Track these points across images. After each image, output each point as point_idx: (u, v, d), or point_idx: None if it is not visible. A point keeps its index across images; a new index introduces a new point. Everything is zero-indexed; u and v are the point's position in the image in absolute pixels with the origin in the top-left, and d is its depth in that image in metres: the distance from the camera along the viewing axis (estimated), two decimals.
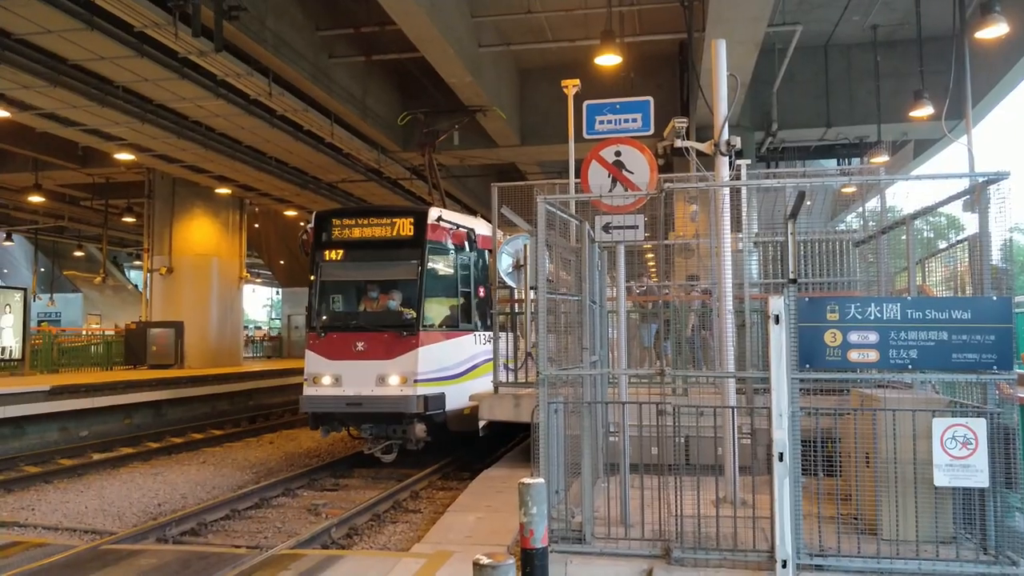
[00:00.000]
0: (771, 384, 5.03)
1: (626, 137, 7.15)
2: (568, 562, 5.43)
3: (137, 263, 38.46)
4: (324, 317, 11.85)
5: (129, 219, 28.73)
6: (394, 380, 10.84)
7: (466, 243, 11.89)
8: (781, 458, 4.91)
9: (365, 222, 11.80)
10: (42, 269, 37.29)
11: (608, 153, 6.84)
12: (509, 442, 13.00)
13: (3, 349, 18.80)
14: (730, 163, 7.14)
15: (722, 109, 6.94)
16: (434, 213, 11.58)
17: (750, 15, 11.81)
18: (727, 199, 6.77)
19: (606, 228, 6.77)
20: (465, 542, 6.51)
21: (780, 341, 5.01)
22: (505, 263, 10.62)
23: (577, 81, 9.67)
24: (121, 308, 36.60)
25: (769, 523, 5.09)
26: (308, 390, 11.22)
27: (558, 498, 5.93)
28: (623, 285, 7.08)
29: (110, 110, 15.49)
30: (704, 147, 7.08)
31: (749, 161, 9.73)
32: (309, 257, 12.11)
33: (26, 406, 14.00)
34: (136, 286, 39.09)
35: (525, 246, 9.91)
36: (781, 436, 4.94)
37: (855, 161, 19.16)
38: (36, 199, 24.80)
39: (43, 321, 30.77)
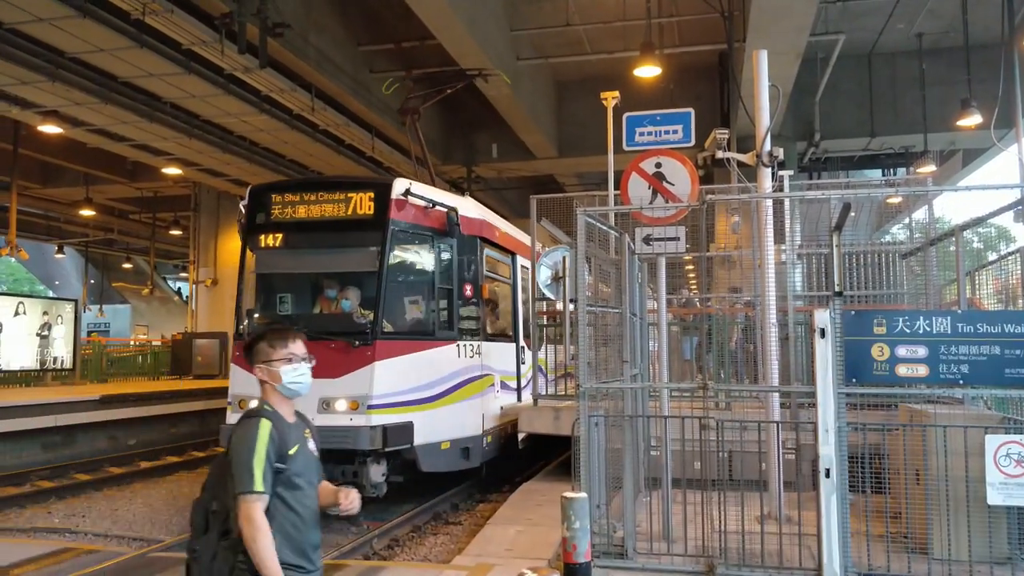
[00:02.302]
0: (817, 399, 4.95)
1: (667, 149, 7.13)
2: None
3: (183, 275, 39.24)
4: (252, 320, 9.24)
5: (176, 232, 29.39)
6: (341, 405, 8.12)
7: (447, 226, 9.00)
8: (828, 474, 4.82)
9: (312, 198, 8.95)
10: (92, 281, 38.29)
11: (648, 165, 6.82)
12: (536, 455, 12.88)
13: (55, 359, 19.32)
14: (772, 174, 7.07)
15: (764, 120, 6.89)
16: (400, 185, 8.81)
17: (792, 25, 11.71)
18: (770, 210, 6.70)
19: (647, 240, 6.74)
20: (506, 555, 6.50)
21: (826, 355, 4.94)
22: (544, 275, 10.62)
23: (616, 93, 9.68)
24: (168, 319, 37.39)
25: (815, 540, 5.00)
26: (231, 417, 8.56)
27: (599, 512, 5.90)
28: (664, 297, 7.04)
29: (158, 126, 15.90)
30: (746, 158, 7.03)
31: (791, 172, 9.61)
32: (241, 244, 9.61)
33: (77, 415, 14.35)
34: (182, 297, 39.89)
35: (564, 258, 9.90)
36: (828, 452, 4.86)
37: (900, 171, 18.82)
38: (87, 212, 25.50)
39: (93, 332, 31.57)
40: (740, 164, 7.17)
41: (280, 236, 9.02)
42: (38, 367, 18.82)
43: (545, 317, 12.35)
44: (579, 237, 5.85)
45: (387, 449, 8.14)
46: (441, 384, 8.93)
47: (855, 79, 17.43)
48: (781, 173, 8.25)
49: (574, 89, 19.39)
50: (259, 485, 2.80)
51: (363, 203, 8.79)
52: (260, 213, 9.13)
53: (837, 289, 5.15)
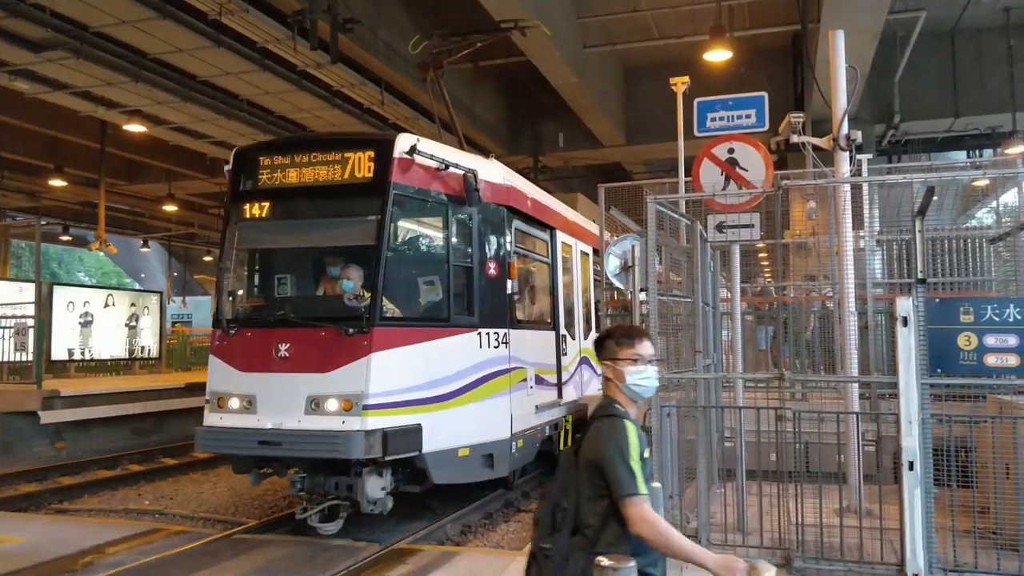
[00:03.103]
0: (899, 389, 4.81)
1: (739, 134, 7.00)
2: (683, 567, 5.35)
3: None
4: (235, 305, 7.95)
5: None
6: (332, 405, 6.81)
7: (465, 193, 7.58)
8: (911, 467, 4.68)
9: (304, 159, 7.58)
10: (175, 274, 39.83)
11: (721, 150, 6.72)
12: None
13: (142, 348, 20.23)
14: (850, 158, 6.86)
15: (841, 102, 6.69)
16: (404, 142, 7.39)
17: (869, 3, 11.31)
18: (848, 196, 6.51)
19: (719, 228, 6.65)
20: None
21: (909, 344, 4.78)
22: (613, 264, 10.53)
23: (686, 78, 9.51)
24: None
25: (898, 535, 4.87)
26: (209, 418, 7.32)
27: (672, 503, 5.86)
28: (738, 286, 6.93)
29: (235, 122, 16.39)
30: (822, 142, 6.85)
31: (870, 155, 9.30)
32: (224, 216, 8.39)
33: (165, 402, 15.01)
34: None
35: (633, 247, 9.80)
36: (911, 444, 4.71)
37: (987, 153, 17.99)
38: (169, 208, 26.49)
39: (177, 322, 32.88)
40: (816, 148, 6.99)
41: (267, 205, 7.73)
42: (127, 356, 19.76)
43: (610, 307, 12.23)
44: (649, 225, 5.80)
45: (388, 458, 6.73)
46: (458, 379, 7.52)
47: (937, 58, 16.71)
48: (859, 157, 7.99)
49: (642, 75, 19.15)
50: (642, 487, 2.75)
51: (361, 164, 7.39)
52: (245, 179, 7.83)
53: (920, 276, 4.98)
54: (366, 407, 6.74)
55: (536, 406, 8.81)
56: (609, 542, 2.78)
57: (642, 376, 2.95)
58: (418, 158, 7.39)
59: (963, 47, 16.68)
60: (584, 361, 10.74)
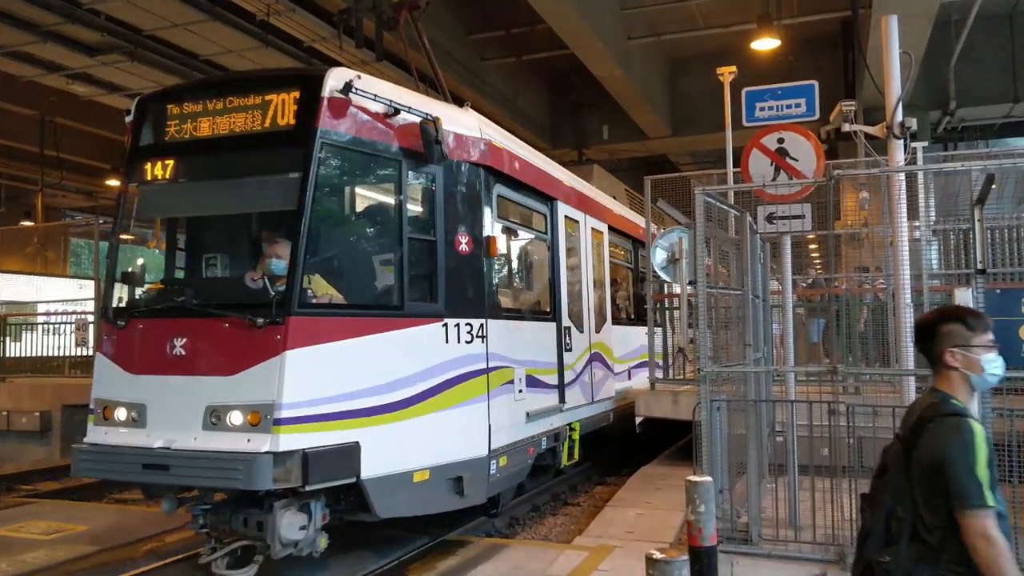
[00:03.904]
0: None
1: (789, 123, 6.89)
2: (734, 563, 5.31)
3: None
4: (129, 290, 6.29)
5: None
6: (236, 418, 5.17)
7: (424, 146, 5.92)
8: None
9: (218, 105, 5.84)
10: None
11: (770, 140, 6.62)
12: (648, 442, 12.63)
13: None
14: (904, 146, 6.69)
15: (894, 89, 6.52)
16: (337, 77, 5.70)
17: None
18: (903, 185, 6.35)
19: (769, 219, 6.55)
20: (626, 537, 6.51)
21: None
22: (660, 257, 10.44)
23: (733, 68, 9.40)
24: None
25: None
26: (92, 433, 5.78)
27: (722, 497, 5.80)
28: (789, 278, 6.82)
29: None
30: (875, 130, 6.68)
31: (925, 143, 9.06)
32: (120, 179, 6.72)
33: None
34: None
35: (680, 239, 9.70)
36: None
37: None
38: None
39: None
40: (868, 137, 6.83)
41: (170, 165, 6.04)
42: None
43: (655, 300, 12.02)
44: (698, 217, 5.74)
45: (311, 487, 5.10)
46: (414, 382, 5.88)
47: (995, 41, 16.18)
48: (913, 145, 7.78)
49: (688, 66, 18.96)
50: (990, 499, 2.45)
51: (283, 109, 5.64)
52: (147, 133, 6.19)
53: (980, 267, 4.85)
54: (278, 421, 5.04)
55: (528, 413, 7.30)
56: (954, 555, 2.51)
57: (996, 365, 2.69)
58: (357, 99, 5.64)
59: (1022, 30, 16.13)
60: (596, 357, 9.33)
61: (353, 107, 5.70)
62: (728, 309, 6.68)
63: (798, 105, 7.35)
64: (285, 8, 11.85)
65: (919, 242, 7.66)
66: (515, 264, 8.22)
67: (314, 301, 5.58)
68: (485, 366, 6.52)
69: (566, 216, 8.63)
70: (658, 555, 2.54)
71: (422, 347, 6.04)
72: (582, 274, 9.09)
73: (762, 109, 7.48)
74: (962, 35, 14.41)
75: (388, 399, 5.69)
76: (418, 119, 5.90)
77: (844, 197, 9.41)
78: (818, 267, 14.37)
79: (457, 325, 6.27)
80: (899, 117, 6.43)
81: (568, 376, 8.30)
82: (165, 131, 6.05)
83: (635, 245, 12.21)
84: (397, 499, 5.76)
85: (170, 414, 5.42)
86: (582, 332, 8.91)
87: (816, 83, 7.42)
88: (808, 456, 6.10)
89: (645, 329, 10.48)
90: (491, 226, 6.81)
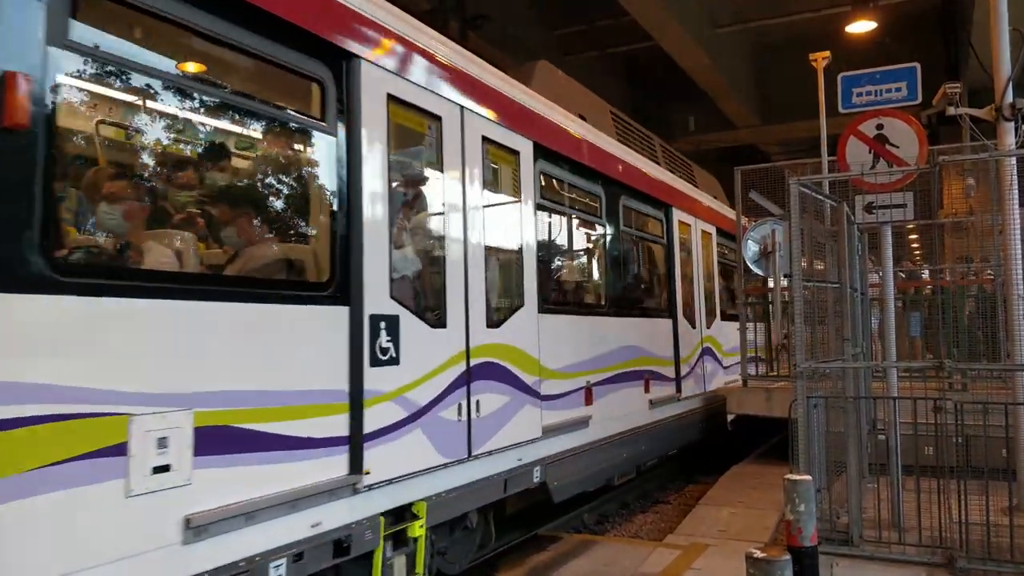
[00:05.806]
0: None
1: (888, 108, 6.62)
2: (834, 564, 5.15)
3: None
4: None
5: None
6: None
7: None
8: None
9: None
10: None
11: (868, 127, 6.37)
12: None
13: None
14: (1015, 128, 6.34)
15: (1004, 69, 6.18)
16: None
17: None
18: (1014, 170, 6.01)
19: (868, 208, 6.30)
20: (719, 536, 6.40)
21: None
22: (752, 250, 10.17)
23: (827, 53, 9.10)
24: None
25: None
26: None
27: (819, 497, 5.63)
28: (891, 270, 6.55)
29: None
30: (983, 113, 6.35)
31: None
32: None
33: None
34: None
35: (773, 231, 9.42)
36: None
37: None
38: None
39: None
40: (975, 120, 6.49)
41: None
42: None
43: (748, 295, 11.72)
44: (792, 208, 5.57)
45: None
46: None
47: None
48: None
49: (777, 52, 18.39)
50: None
51: None
52: None
53: None
54: None
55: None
56: None
57: None
58: None
59: None
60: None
61: None
62: (824, 303, 6.47)
63: (898, 89, 7.04)
64: None
65: None
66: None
67: None
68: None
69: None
70: (759, 554, 2.49)
71: None
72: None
73: (859, 95, 7.20)
74: None
75: None
76: None
77: (946, 184, 8.97)
78: (917, 258, 13.72)
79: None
80: (1009, 98, 6.11)
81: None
82: None
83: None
84: None
85: None
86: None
87: (918, 65, 7.08)
88: (911, 455, 5.86)
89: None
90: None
